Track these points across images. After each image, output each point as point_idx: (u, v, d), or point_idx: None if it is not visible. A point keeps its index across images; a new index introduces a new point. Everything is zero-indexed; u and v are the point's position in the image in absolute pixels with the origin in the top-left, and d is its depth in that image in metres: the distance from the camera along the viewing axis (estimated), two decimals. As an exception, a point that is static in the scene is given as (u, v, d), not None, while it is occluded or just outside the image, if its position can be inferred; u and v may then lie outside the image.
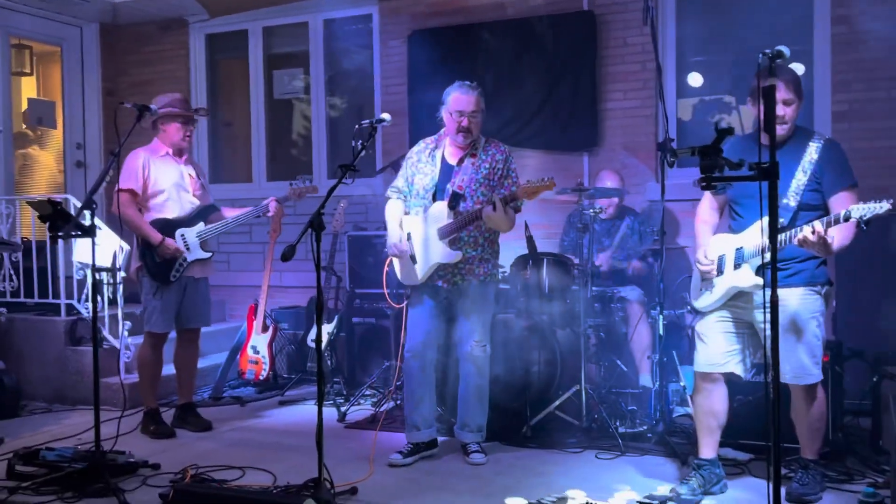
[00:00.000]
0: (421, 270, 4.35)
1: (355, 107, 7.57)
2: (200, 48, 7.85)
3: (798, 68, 5.75)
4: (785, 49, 2.72)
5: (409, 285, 4.49)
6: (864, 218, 3.13)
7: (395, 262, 4.51)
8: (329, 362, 6.01)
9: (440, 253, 4.28)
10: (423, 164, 4.44)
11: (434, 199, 4.36)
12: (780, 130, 3.61)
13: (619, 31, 6.20)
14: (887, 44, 5.44)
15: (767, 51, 2.72)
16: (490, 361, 4.49)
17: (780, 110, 3.56)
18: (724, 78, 6.27)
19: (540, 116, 6.33)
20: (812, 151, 3.63)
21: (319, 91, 7.42)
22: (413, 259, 4.37)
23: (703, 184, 2.67)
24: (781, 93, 3.55)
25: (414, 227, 4.40)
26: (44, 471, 4.02)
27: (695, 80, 6.28)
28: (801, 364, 3.58)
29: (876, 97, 5.50)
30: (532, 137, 6.38)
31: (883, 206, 3.10)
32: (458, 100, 4.29)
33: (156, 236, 4.86)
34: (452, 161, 4.40)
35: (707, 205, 4.01)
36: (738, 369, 3.76)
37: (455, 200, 4.28)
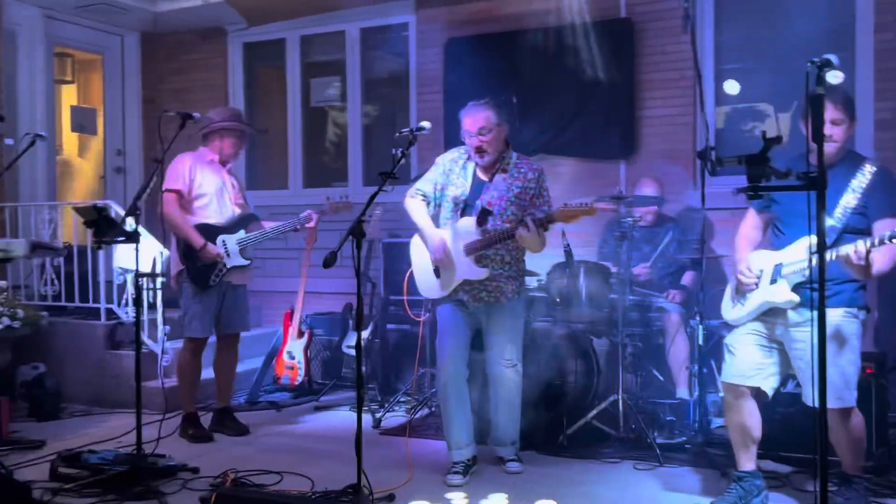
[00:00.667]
0: (445, 285, 4.29)
1: (388, 114, 7.61)
2: (238, 57, 7.94)
3: (836, 76, 5.68)
4: (833, 57, 2.67)
5: (431, 298, 4.45)
6: None
7: (417, 272, 4.43)
8: (364, 368, 6.02)
9: (466, 269, 4.21)
10: (455, 175, 4.37)
11: (463, 213, 4.29)
12: (829, 149, 3.50)
13: (656, 38, 6.17)
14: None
15: (815, 59, 2.67)
16: (522, 377, 4.39)
17: (828, 130, 3.48)
18: (760, 85, 6.19)
19: (576, 124, 6.31)
20: (862, 176, 3.56)
21: (356, 99, 7.47)
22: (437, 273, 4.31)
23: (750, 192, 2.64)
24: (830, 112, 3.47)
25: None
26: (86, 473, 4.07)
27: (731, 87, 6.23)
28: (834, 387, 3.50)
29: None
30: (568, 145, 6.37)
31: None
32: (466, 121, 4.25)
33: (198, 240, 4.92)
34: (484, 176, 4.31)
35: (750, 222, 3.96)
36: (765, 385, 3.68)
37: (484, 217, 4.21)
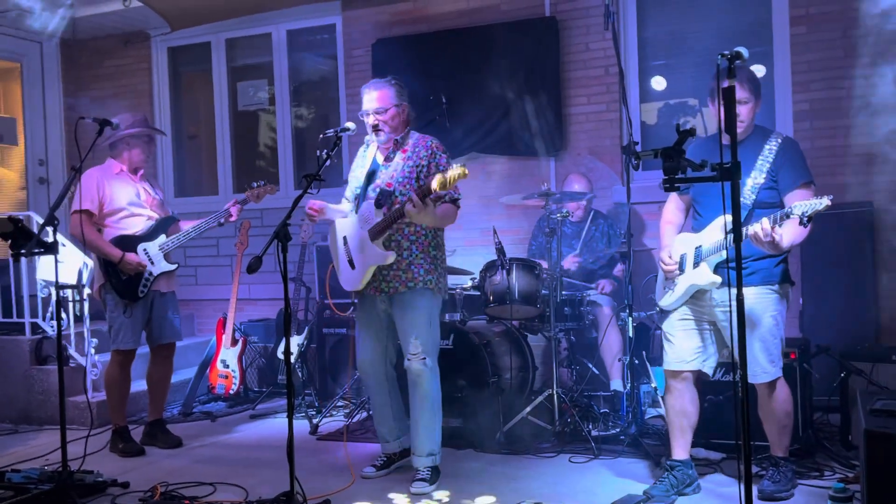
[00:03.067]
0: (360, 275, 4.13)
1: (322, 116, 7.55)
2: (163, 61, 7.79)
3: (759, 70, 5.83)
4: (744, 50, 2.74)
5: (354, 293, 4.34)
6: (806, 214, 3.16)
7: (336, 266, 4.32)
8: (300, 374, 5.97)
9: (373, 254, 4.03)
10: (356, 165, 4.30)
11: (360, 202, 4.19)
12: (737, 129, 3.62)
13: (581, 36, 6.23)
14: (843, 43, 5.53)
15: (726, 52, 2.74)
16: (433, 373, 4.13)
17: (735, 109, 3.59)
18: (686, 81, 6.32)
19: (505, 122, 6.34)
20: (769, 150, 3.67)
21: (284, 102, 7.39)
22: (351, 264, 4.18)
23: (667, 185, 2.68)
24: (737, 92, 3.57)
25: (349, 230, 4.21)
26: (10, 493, 3.94)
27: (658, 83, 6.34)
28: (757, 362, 3.61)
29: (835, 95, 5.57)
30: (498, 143, 6.39)
31: (822, 203, 3.14)
32: (363, 99, 4.15)
33: (115, 253, 4.80)
34: (382, 159, 4.20)
35: (672, 206, 4.05)
36: (705, 366, 3.80)
37: (384, 198, 4.04)
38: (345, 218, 4.28)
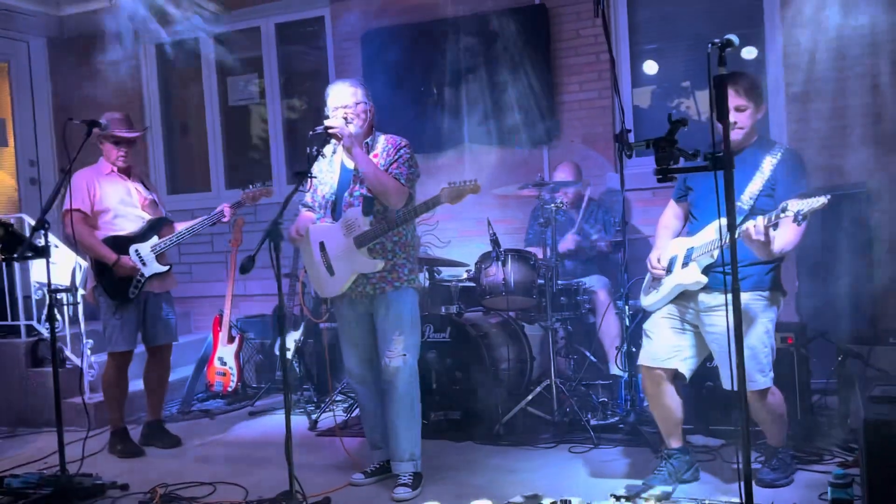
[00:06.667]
0: (340, 282, 4.01)
1: (315, 109, 7.51)
2: (152, 58, 7.73)
3: (750, 52, 5.80)
4: (734, 37, 2.68)
5: (329, 298, 4.25)
6: (802, 212, 3.13)
7: (311, 272, 4.19)
8: (298, 370, 5.96)
9: (361, 262, 3.93)
10: (322, 173, 4.13)
11: (334, 208, 4.06)
12: (736, 136, 3.57)
13: (571, 23, 6.20)
14: (837, 23, 5.49)
15: (716, 40, 2.70)
16: (412, 372, 4.03)
17: (733, 117, 3.51)
18: (677, 64, 6.29)
19: (497, 112, 6.31)
20: (771, 159, 3.61)
21: (275, 95, 7.35)
22: (330, 270, 4.06)
23: (659, 176, 2.66)
24: (733, 99, 3.50)
25: (326, 236, 4.06)
26: (8, 498, 3.93)
27: (650, 67, 6.31)
28: (745, 370, 3.57)
29: (829, 77, 5.54)
30: (490, 133, 6.36)
31: (819, 201, 3.11)
32: (331, 96, 4.02)
33: (110, 255, 4.78)
34: (350, 165, 4.04)
35: (670, 212, 4.02)
36: (682, 367, 3.73)
37: (369, 205, 3.96)
38: (317, 224, 4.15)
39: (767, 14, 5.78)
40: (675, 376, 3.77)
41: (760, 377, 3.55)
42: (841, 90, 5.50)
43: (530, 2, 6.27)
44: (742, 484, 2.50)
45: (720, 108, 2.67)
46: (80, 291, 5.61)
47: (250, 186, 5.06)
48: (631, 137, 4.97)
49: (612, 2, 6.13)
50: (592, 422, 4.70)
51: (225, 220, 5.03)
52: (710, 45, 2.69)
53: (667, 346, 3.73)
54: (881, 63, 5.35)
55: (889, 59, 5.33)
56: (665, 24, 6.24)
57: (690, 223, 3.84)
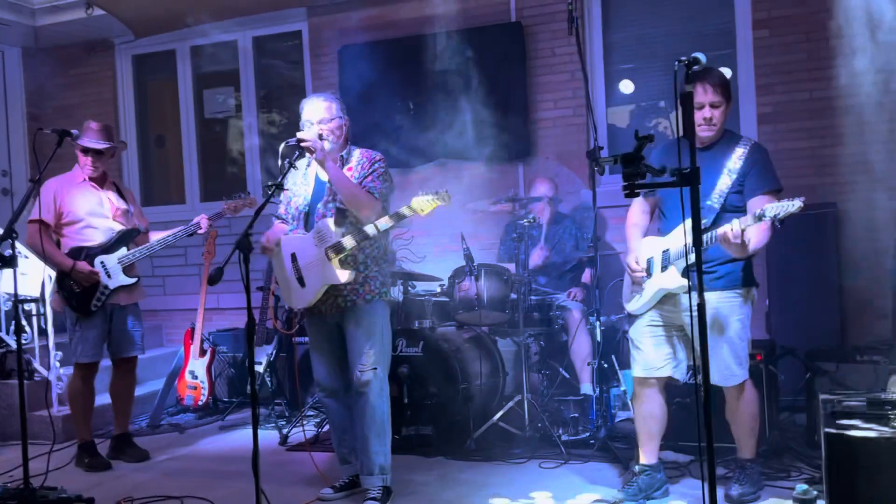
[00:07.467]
0: (311, 293, 3.99)
1: (293, 123, 7.49)
2: (127, 70, 7.73)
3: (725, 72, 5.87)
4: (701, 56, 2.75)
5: (299, 310, 4.22)
6: (779, 217, 3.18)
7: (282, 284, 4.16)
8: (269, 384, 5.91)
9: (331, 274, 3.89)
10: (296, 185, 4.13)
11: (307, 220, 4.06)
12: (709, 132, 3.68)
13: (546, 41, 6.26)
14: (806, 46, 5.59)
15: (684, 58, 2.76)
16: (384, 385, 4.01)
17: (708, 112, 3.63)
18: (654, 84, 6.36)
19: (472, 128, 6.32)
20: (738, 155, 3.67)
21: (251, 109, 7.35)
22: (301, 282, 4.03)
23: (627, 192, 2.68)
24: (709, 95, 3.61)
25: (297, 247, 4.03)
26: (-29, 513, 3.88)
27: (626, 87, 6.37)
28: (726, 365, 3.64)
29: (798, 98, 5.63)
30: (466, 149, 6.36)
31: (795, 205, 3.15)
32: (306, 111, 4.03)
33: (66, 262, 4.72)
34: (326, 177, 4.02)
35: (638, 208, 4.04)
36: (676, 373, 3.80)
37: (342, 216, 3.95)
38: (289, 235, 4.13)
39: (740, 36, 5.86)
40: (665, 386, 3.84)
41: (739, 370, 3.67)
42: (812, 110, 5.59)
43: (506, 20, 6.32)
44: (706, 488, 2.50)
45: (687, 124, 2.72)
46: (48, 303, 5.55)
47: (233, 197, 5.04)
48: (604, 154, 5.04)
49: (587, 22, 6.20)
50: (564, 437, 4.70)
51: (201, 231, 5.00)
52: (676, 63, 2.75)
53: (657, 355, 3.78)
54: (850, 84, 5.43)
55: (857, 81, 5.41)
56: (640, 45, 6.31)
57: (661, 221, 3.87)
